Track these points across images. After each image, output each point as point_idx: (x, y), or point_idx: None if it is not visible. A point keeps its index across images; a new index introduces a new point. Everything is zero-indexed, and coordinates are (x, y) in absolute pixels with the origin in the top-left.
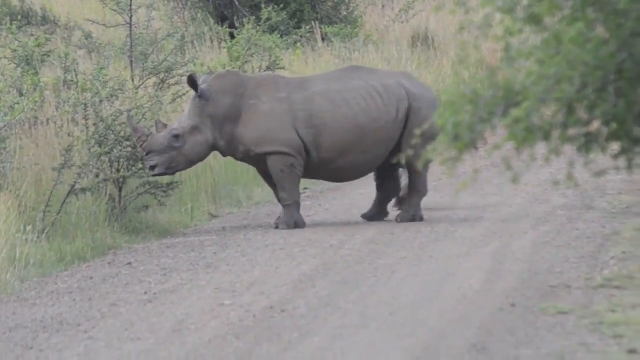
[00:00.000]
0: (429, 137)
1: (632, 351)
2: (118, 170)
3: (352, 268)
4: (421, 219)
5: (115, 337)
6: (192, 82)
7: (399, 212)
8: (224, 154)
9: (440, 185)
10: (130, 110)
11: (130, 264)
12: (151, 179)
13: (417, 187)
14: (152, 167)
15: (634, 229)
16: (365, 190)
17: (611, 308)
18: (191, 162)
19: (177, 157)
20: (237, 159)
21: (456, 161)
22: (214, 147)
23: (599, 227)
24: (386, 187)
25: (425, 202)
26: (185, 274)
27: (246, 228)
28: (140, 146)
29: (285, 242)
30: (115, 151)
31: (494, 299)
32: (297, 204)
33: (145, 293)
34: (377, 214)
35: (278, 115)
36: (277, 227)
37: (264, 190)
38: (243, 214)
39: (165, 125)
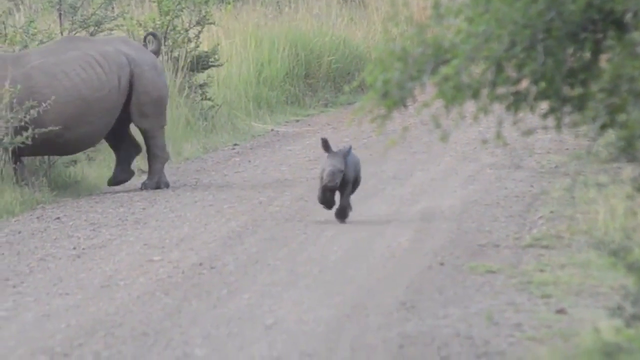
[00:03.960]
0: (156, 100)
1: (560, 311)
2: None
3: (281, 225)
4: (167, 185)
5: (43, 292)
6: None
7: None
8: None
9: (370, 143)
10: None
11: (58, 218)
12: None
13: (156, 152)
14: None
15: (562, 189)
16: (295, 146)
17: (539, 267)
18: None
19: None
20: None
21: (385, 119)
22: None
23: (527, 186)
24: (122, 147)
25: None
26: (113, 229)
27: (175, 184)
28: None
29: (214, 199)
30: (43, 104)
31: (423, 258)
32: None
33: (74, 248)
34: (121, 175)
35: None
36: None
37: (193, 146)
38: (172, 169)
39: None
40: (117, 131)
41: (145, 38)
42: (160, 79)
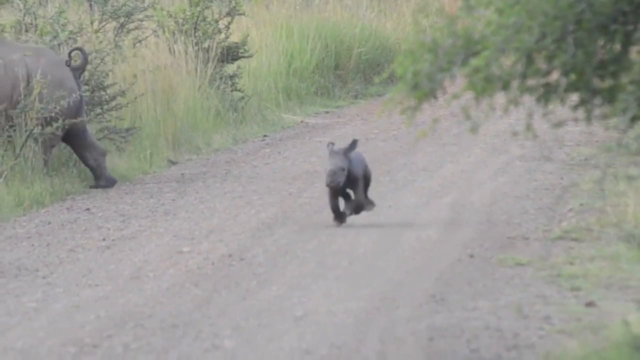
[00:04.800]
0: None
1: (589, 304)
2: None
3: (310, 217)
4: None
5: (73, 283)
6: None
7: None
8: None
9: (400, 134)
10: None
11: (88, 209)
12: (110, 123)
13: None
14: None
15: (591, 181)
16: (324, 138)
17: (569, 260)
18: None
19: None
20: None
21: (415, 110)
22: None
23: (557, 178)
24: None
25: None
26: (143, 220)
27: (205, 175)
28: None
29: (244, 190)
30: (73, 95)
31: (452, 250)
32: None
33: (104, 239)
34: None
35: None
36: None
37: (223, 137)
38: (202, 160)
39: None
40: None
41: (70, 53)
42: (66, 91)
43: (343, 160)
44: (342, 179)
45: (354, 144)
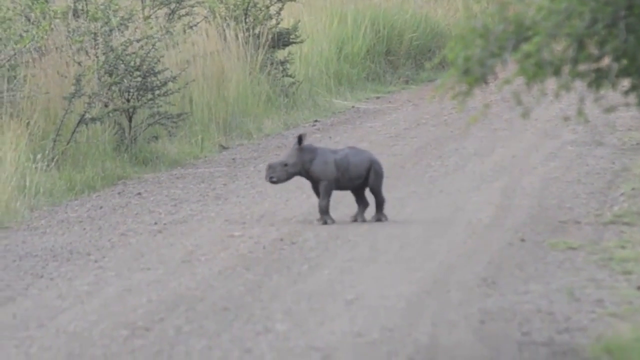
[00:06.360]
0: None
1: None
2: (128, 100)
3: None
4: None
5: (125, 266)
6: None
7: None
8: None
9: (451, 120)
10: None
11: (140, 194)
12: (161, 109)
13: None
14: None
15: None
16: (375, 123)
17: (620, 244)
18: None
19: None
20: None
21: (466, 95)
22: None
23: (608, 163)
24: None
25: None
26: (194, 204)
27: (256, 160)
28: None
29: None
30: (125, 81)
31: (504, 234)
32: None
33: (155, 223)
34: None
35: None
36: None
37: (274, 123)
38: (253, 145)
39: None
40: None
41: None
42: None
43: (292, 155)
44: (280, 174)
45: (299, 139)
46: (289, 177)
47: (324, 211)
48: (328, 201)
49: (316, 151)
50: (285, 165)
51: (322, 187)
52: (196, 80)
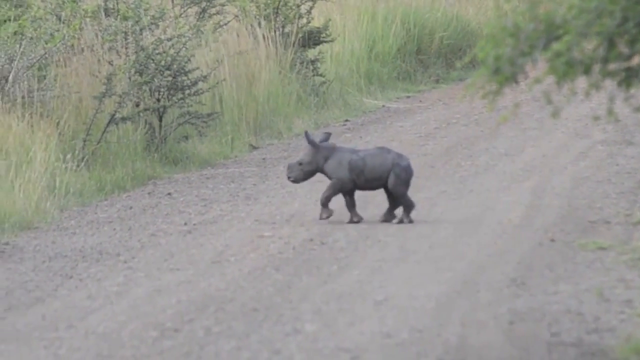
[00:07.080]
0: None
1: None
2: (158, 100)
3: None
4: None
5: (154, 267)
6: None
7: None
8: None
9: (481, 119)
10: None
11: (170, 194)
12: (191, 108)
13: None
14: None
15: None
16: (406, 122)
17: None
18: None
19: None
20: None
21: (497, 95)
22: None
23: (639, 162)
24: None
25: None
26: (224, 205)
27: (286, 159)
28: None
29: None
30: (155, 80)
31: (533, 234)
32: None
33: (185, 224)
34: None
35: None
36: None
37: (304, 122)
38: (283, 145)
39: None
40: None
41: None
42: None
43: (307, 154)
44: (297, 174)
45: (306, 135)
46: (305, 176)
47: (324, 203)
48: (330, 196)
49: (333, 150)
50: (300, 164)
51: (331, 183)
52: (226, 79)
